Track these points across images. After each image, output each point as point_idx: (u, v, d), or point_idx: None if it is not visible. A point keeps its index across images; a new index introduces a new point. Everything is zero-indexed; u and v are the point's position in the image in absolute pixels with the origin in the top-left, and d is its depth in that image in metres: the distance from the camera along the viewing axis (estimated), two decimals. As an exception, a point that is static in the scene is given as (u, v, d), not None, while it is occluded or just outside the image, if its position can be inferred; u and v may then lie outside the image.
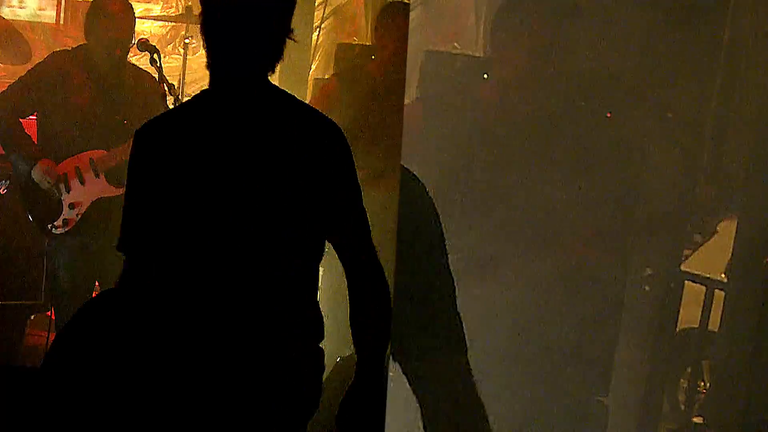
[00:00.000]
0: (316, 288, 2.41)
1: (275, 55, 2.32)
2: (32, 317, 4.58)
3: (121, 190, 4.03)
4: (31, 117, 4.09)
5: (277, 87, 2.37)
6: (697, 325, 3.56)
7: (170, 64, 5.90)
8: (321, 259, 2.39)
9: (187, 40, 5.28)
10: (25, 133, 4.02)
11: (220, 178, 2.26)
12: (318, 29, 5.26)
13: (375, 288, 2.36)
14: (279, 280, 2.29)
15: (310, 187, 2.27)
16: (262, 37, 2.29)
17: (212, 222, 2.26)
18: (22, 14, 5.80)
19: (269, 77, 2.34)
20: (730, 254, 3.32)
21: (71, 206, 3.98)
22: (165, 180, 2.29)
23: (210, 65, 2.32)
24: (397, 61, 3.68)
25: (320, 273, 2.49)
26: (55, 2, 5.86)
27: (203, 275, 2.28)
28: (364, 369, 2.35)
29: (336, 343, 2.70)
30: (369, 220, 2.38)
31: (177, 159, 2.29)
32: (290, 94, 2.39)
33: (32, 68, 4.09)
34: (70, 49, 4.17)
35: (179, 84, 5.09)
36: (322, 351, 2.40)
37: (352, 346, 2.41)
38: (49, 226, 3.98)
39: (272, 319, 2.30)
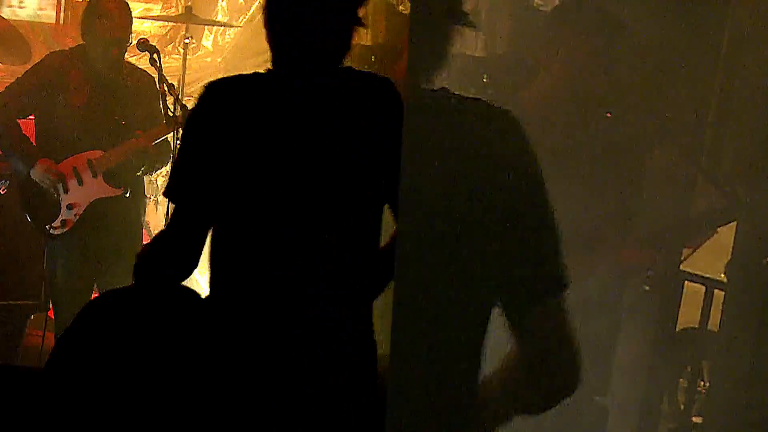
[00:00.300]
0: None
1: (343, 44, 2.21)
2: (32, 317, 4.58)
3: (119, 191, 4.05)
4: (30, 117, 4.09)
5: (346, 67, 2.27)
6: (697, 325, 3.55)
7: (170, 64, 5.91)
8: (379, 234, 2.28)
9: (187, 40, 5.28)
10: (23, 134, 4.01)
11: (286, 141, 2.18)
12: (318, 29, 5.24)
13: None
14: (342, 257, 2.20)
15: (374, 159, 2.21)
16: (327, 24, 2.19)
17: (270, 187, 2.17)
18: (22, 14, 5.82)
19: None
20: (730, 254, 3.30)
21: (69, 207, 3.97)
22: (229, 137, 2.19)
23: (273, 48, 2.22)
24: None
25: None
26: (55, 2, 5.88)
27: (258, 240, 2.18)
28: None
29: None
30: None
31: (245, 119, 2.19)
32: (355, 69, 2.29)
33: (30, 69, 4.09)
34: (67, 49, 4.17)
35: (179, 84, 5.10)
36: (374, 342, 2.30)
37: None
38: (47, 227, 3.98)
39: (330, 303, 2.20)
